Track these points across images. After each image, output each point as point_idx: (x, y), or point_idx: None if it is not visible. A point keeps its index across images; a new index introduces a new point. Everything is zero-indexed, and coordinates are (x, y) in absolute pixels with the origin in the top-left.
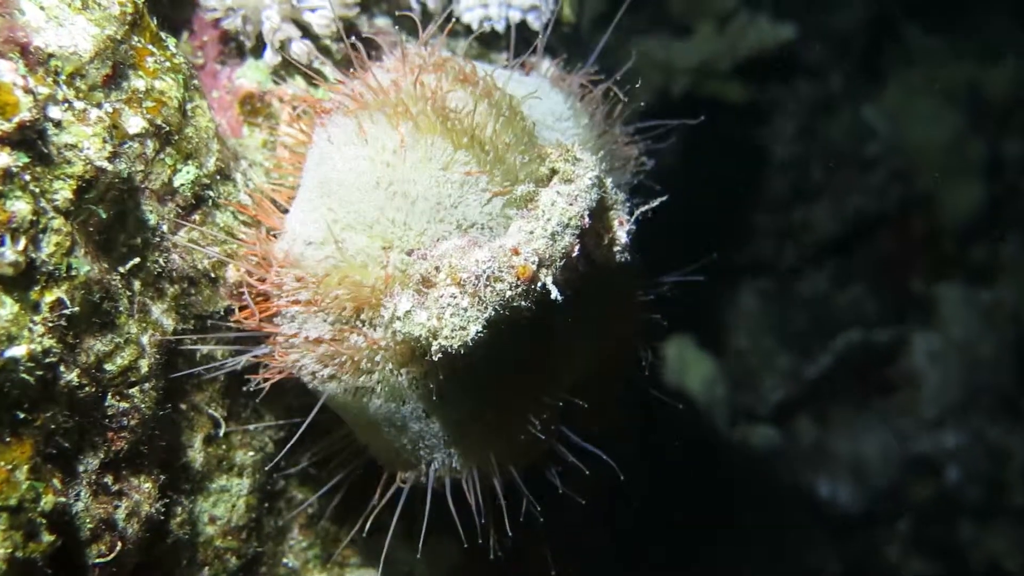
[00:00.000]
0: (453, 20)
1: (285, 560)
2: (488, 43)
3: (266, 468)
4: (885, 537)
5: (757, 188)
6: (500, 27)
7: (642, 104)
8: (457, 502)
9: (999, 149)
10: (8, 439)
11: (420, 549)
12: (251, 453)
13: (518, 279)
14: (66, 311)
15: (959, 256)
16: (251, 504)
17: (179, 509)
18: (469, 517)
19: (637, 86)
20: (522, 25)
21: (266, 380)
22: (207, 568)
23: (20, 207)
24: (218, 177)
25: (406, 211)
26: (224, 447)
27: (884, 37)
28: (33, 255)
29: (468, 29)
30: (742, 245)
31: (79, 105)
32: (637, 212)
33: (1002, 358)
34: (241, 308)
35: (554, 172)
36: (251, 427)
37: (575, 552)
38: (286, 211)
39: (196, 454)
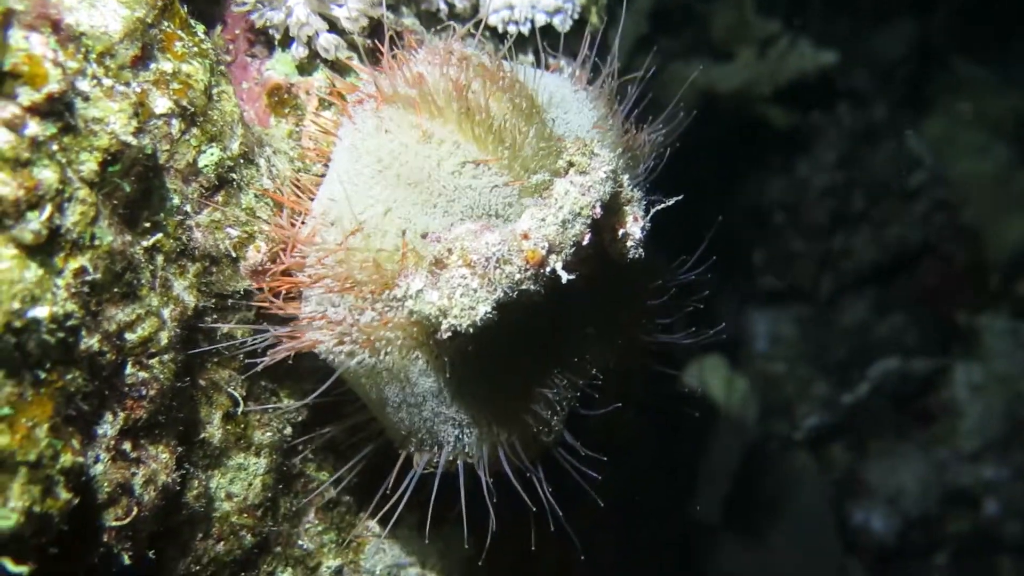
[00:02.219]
0: (479, 21)
1: (300, 542)
2: (513, 45)
3: (284, 448)
4: (922, 569)
5: (797, 214)
6: (525, 29)
7: (680, 115)
8: (471, 494)
9: None
10: (29, 397)
11: (432, 537)
12: (269, 433)
13: (527, 263)
14: (88, 278)
15: (1004, 289)
16: (267, 483)
17: (196, 483)
18: (482, 510)
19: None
20: (548, 29)
21: (284, 356)
22: (222, 543)
23: (47, 175)
24: (241, 160)
25: (425, 199)
26: (242, 426)
27: (930, 66)
28: (58, 222)
29: (494, 32)
30: (781, 271)
31: (107, 82)
32: (653, 210)
33: None
34: (263, 288)
35: (571, 165)
36: (269, 407)
37: (585, 557)
38: (312, 199)
39: (215, 431)
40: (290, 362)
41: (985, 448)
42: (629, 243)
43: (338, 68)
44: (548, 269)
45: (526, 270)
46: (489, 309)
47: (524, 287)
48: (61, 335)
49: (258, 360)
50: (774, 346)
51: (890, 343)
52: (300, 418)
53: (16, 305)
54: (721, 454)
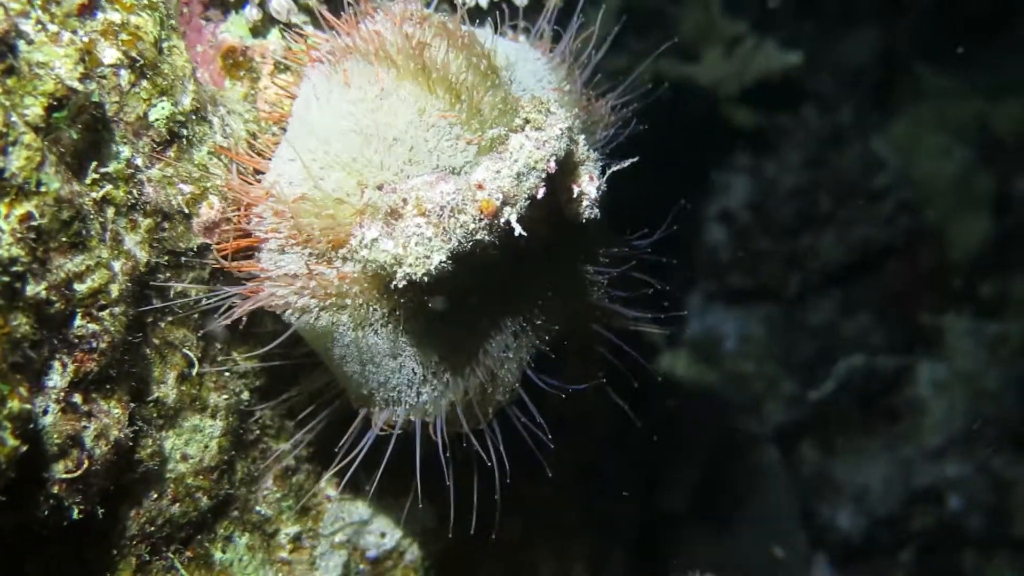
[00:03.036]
0: None
1: (258, 508)
2: (472, 20)
3: (240, 411)
4: (887, 565)
5: (764, 214)
6: (484, 3)
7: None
8: (429, 462)
9: (1008, 185)
10: None
11: (393, 505)
12: (224, 396)
13: (481, 213)
14: (35, 223)
15: (967, 289)
16: (223, 446)
17: (149, 441)
18: (442, 479)
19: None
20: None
21: (241, 315)
22: (178, 504)
23: None
24: (193, 116)
25: (383, 153)
26: (197, 387)
27: (894, 71)
28: (2, 165)
29: (451, 3)
30: (749, 270)
31: (52, 28)
32: (609, 171)
33: (1007, 390)
34: (218, 243)
35: (527, 122)
36: (225, 370)
37: (547, 526)
38: (269, 159)
39: (169, 390)
40: (243, 326)
41: (948, 444)
42: (585, 202)
43: (292, 31)
44: (503, 220)
45: (480, 220)
46: (444, 258)
47: (478, 237)
48: (6, 279)
49: (215, 319)
50: (743, 345)
51: (856, 342)
52: (257, 383)
53: None
54: (688, 444)
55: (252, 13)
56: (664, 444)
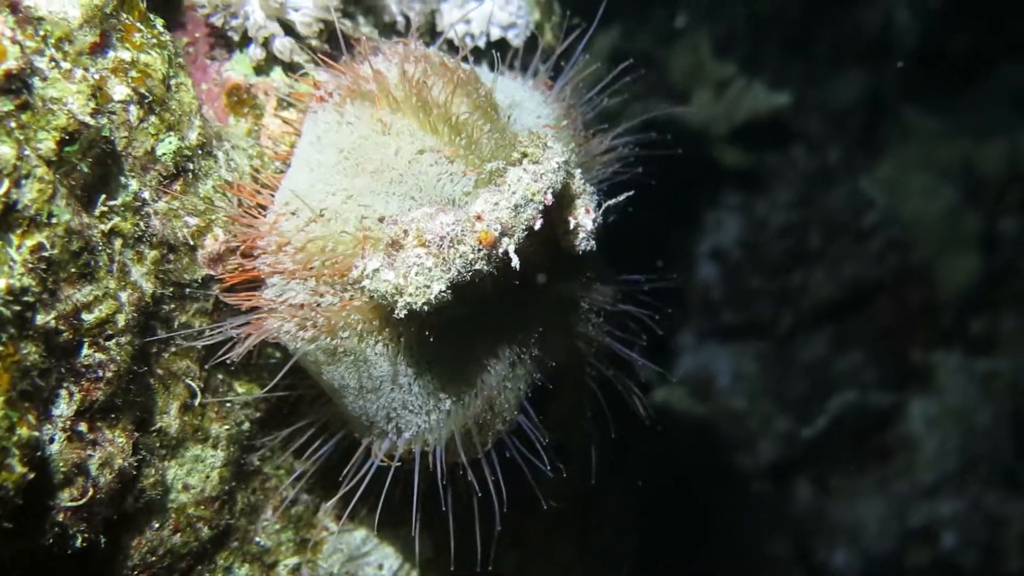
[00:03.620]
0: (435, 36)
1: (257, 539)
2: (471, 58)
3: (242, 442)
4: None
5: (755, 252)
6: (481, 43)
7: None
8: (428, 494)
9: (994, 225)
10: None
11: (391, 536)
12: (226, 426)
13: (480, 243)
14: (46, 254)
15: (957, 326)
16: (224, 477)
17: (152, 471)
18: (440, 510)
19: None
20: (503, 44)
21: (245, 344)
22: (179, 534)
23: (4, 151)
24: (199, 151)
25: (385, 187)
26: (200, 417)
27: (881, 114)
28: (16, 197)
29: (451, 45)
30: (740, 308)
31: (65, 65)
32: (605, 205)
33: (999, 427)
34: (223, 276)
35: (525, 156)
36: (227, 401)
37: (543, 558)
38: (273, 194)
39: (172, 420)
40: (244, 359)
41: (942, 481)
42: (581, 234)
43: (295, 70)
44: (501, 251)
45: (479, 250)
46: (444, 287)
47: (477, 267)
48: (17, 308)
49: (220, 352)
50: (736, 382)
51: (849, 379)
52: (258, 414)
53: None
54: (681, 478)
55: (256, 52)
56: (655, 475)
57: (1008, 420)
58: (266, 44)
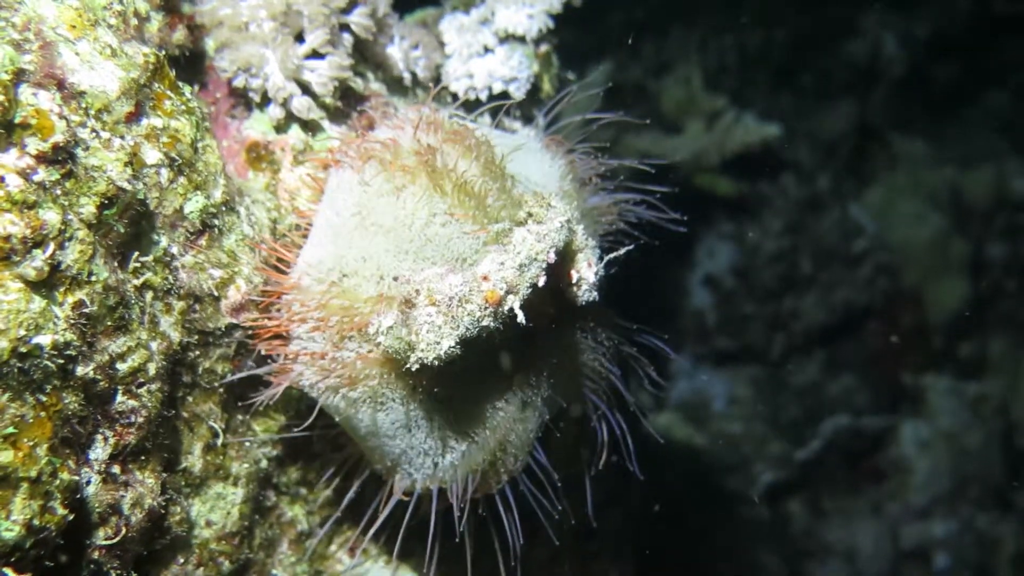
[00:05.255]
0: (441, 87)
1: (274, 572)
2: (472, 109)
3: (260, 479)
4: None
5: (747, 279)
6: (484, 96)
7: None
8: (435, 527)
9: (982, 249)
10: (31, 418)
11: (402, 568)
12: (246, 465)
13: (486, 302)
14: (86, 311)
15: (947, 349)
16: (244, 513)
17: (178, 509)
18: (450, 544)
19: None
20: (504, 95)
21: (271, 392)
22: (202, 568)
23: (51, 216)
24: (224, 208)
25: (399, 247)
26: (221, 456)
27: (870, 140)
28: (60, 259)
29: (455, 96)
30: (734, 333)
31: (105, 135)
32: (607, 258)
33: (989, 449)
34: (251, 329)
35: (530, 216)
36: (247, 441)
37: None
38: (292, 250)
39: (196, 460)
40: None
41: (934, 503)
42: (584, 287)
43: (311, 127)
44: (506, 308)
45: (486, 308)
46: (453, 343)
47: (484, 324)
48: (60, 362)
49: (249, 395)
50: (731, 406)
51: (841, 402)
52: (275, 452)
53: (22, 332)
54: (677, 503)
55: (275, 112)
56: (651, 500)
57: (998, 442)
58: (285, 103)
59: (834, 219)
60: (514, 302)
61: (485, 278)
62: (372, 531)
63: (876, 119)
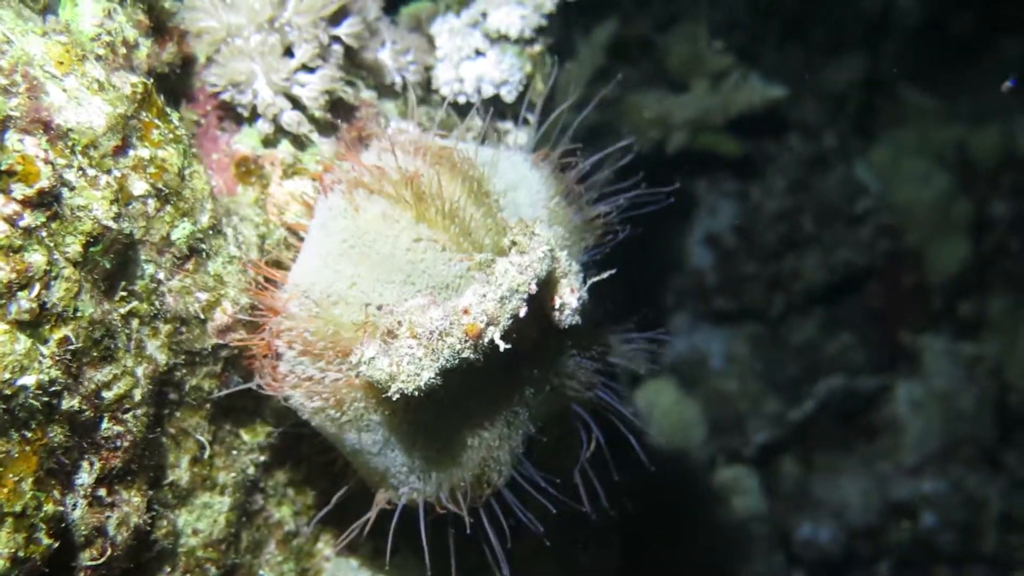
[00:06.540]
0: (431, 92)
1: (260, 572)
2: (463, 112)
3: (247, 486)
4: None
5: (749, 238)
6: (475, 100)
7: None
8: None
9: (985, 209)
10: (16, 454)
11: (383, 564)
12: (232, 474)
13: (467, 335)
14: (71, 347)
15: (946, 310)
16: (231, 520)
17: (165, 522)
18: (440, 548)
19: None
20: (496, 100)
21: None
22: (189, 575)
23: (36, 259)
24: (210, 232)
25: (384, 275)
26: (208, 468)
27: (878, 96)
28: (45, 299)
29: (444, 98)
30: (734, 293)
31: (91, 172)
32: (589, 282)
33: (982, 410)
34: (242, 350)
35: (513, 244)
36: (234, 451)
37: None
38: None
39: (183, 473)
40: (250, 409)
41: (924, 462)
42: (567, 311)
43: (301, 141)
44: (486, 340)
45: (466, 341)
46: (432, 375)
47: (464, 355)
48: (45, 399)
49: (236, 405)
50: (728, 364)
51: (838, 361)
52: (262, 458)
53: (6, 375)
54: (662, 472)
55: (264, 127)
56: (636, 473)
57: (991, 404)
58: (275, 118)
59: (838, 177)
60: (494, 333)
61: (466, 311)
62: (358, 532)
63: (887, 73)
